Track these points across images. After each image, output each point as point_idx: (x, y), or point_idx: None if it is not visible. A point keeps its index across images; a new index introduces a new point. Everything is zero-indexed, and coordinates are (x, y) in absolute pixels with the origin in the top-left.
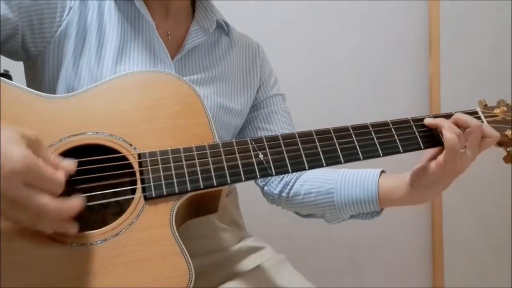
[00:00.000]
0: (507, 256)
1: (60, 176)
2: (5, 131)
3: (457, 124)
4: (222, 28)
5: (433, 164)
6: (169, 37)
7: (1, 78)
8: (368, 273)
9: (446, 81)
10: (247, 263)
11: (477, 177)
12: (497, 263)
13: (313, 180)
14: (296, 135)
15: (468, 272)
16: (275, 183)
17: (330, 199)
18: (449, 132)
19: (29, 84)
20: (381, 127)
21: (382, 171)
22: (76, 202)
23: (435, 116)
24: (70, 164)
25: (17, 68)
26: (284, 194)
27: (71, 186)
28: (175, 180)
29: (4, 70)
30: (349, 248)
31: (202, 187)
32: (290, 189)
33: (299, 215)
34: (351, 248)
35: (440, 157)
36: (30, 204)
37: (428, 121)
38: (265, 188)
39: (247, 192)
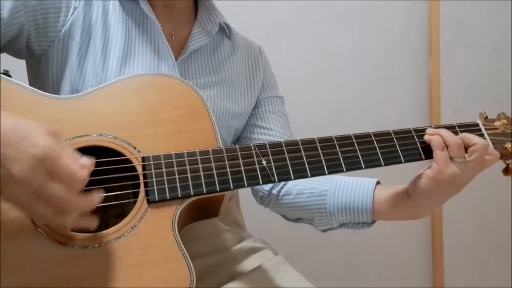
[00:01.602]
0: (507, 256)
1: (84, 173)
2: (29, 122)
3: (463, 141)
4: (224, 31)
5: (429, 170)
6: (173, 38)
7: (6, 77)
8: (367, 273)
9: (446, 81)
10: (248, 264)
11: (477, 176)
12: (497, 263)
13: (307, 181)
14: (299, 142)
15: (468, 272)
16: None
17: (322, 201)
18: (430, 134)
19: (31, 83)
20: (383, 137)
21: (378, 182)
22: (97, 196)
23: (436, 127)
24: (89, 162)
25: (17, 68)
26: (274, 192)
27: None
28: (178, 185)
29: (4, 70)
30: (348, 248)
31: (205, 192)
32: (281, 188)
33: (286, 219)
34: (351, 248)
35: (434, 162)
36: (53, 196)
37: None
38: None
39: (245, 192)
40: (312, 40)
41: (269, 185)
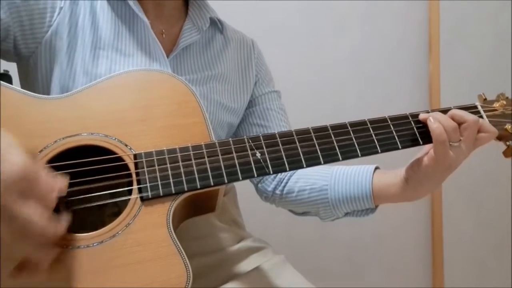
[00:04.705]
0: (507, 256)
1: (54, 196)
2: (6, 137)
3: (454, 119)
4: (216, 25)
5: (426, 157)
6: (164, 36)
7: None
8: (367, 273)
9: (446, 81)
10: (247, 264)
11: (477, 176)
12: (497, 263)
13: (307, 177)
14: (294, 133)
15: (468, 272)
16: (269, 180)
17: (324, 196)
18: (433, 123)
19: (22, 85)
20: (379, 123)
21: (377, 167)
22: (61, 226)
23: (432, 111)
24: (63, 184)
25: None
26: (278, 192)
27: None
28: (171, 181)
29: (4, 70)
30: (348, 248)
31: (199, 187)
32: (284, 187)
33: (294, 213)
34: (351, 248)
35: (432, 150)
36: (17, 215)
37: (421, 116)
38: (259, 185)
39: (245, 191)
40: (312, 40)
41: (272, 186)
